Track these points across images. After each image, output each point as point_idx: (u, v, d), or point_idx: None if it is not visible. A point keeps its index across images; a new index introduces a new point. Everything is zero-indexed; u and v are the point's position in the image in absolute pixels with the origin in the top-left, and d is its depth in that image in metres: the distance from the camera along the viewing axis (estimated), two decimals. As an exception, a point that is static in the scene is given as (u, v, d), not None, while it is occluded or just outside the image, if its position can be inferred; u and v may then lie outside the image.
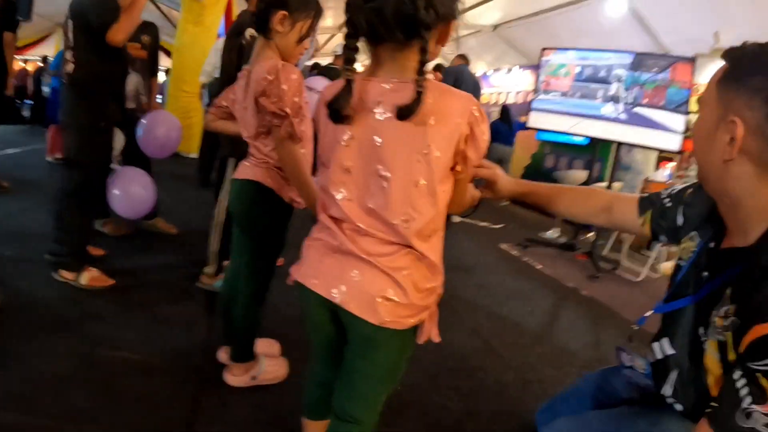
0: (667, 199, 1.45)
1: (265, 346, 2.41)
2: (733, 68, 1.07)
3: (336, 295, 1.17)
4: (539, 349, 3.17)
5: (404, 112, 1.07)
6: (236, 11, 7.83)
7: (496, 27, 10.10)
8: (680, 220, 1.40)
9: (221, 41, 6.53)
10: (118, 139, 3.56)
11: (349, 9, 1.10)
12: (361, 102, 1.14)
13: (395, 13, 1.05)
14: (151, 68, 4.23)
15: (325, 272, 1.21)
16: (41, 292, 2.81)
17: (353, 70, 1.12)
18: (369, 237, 1.16)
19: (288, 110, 1.73)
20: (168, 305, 2.88)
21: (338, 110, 1.13)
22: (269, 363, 2.25)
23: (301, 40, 1.92)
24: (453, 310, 3.49)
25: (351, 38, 1.12)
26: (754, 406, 0.95)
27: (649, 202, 1.49)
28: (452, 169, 1.16)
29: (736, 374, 1.00)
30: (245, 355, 2.17)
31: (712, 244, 1.21)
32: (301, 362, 2.41)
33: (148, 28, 4.07)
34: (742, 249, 1.10)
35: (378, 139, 1.12)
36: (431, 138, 1.09)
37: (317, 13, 1.94)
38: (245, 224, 2.05)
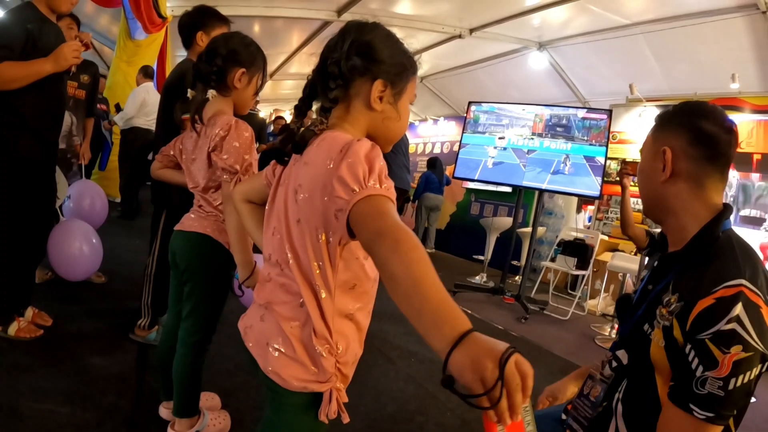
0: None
1: (206, 399, 2.38)
2: (661, 119, 1.40)
3: (248, 335, 1.23)
4: (475, 390, 3.22)
5: (293, 145, 1.16)
6: (170, 54, 7.77)
7: (423, 78, 10.46)
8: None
9: (143, 87, 6.57)
10: (61, 186, 3.44)
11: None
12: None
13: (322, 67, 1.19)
14: (88, 108, 4.12)
15: (248, 314, 1.29)
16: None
17: (300, 122, 1.22)
18: (281, 277, 1.19)
19: (238, 167, 1.79)
20: (99, 357, 2.77)
21: (281, 150, 1.23)
22: (212, 416, 2.22)
23: (256, 92, 2.05)
24: (387, 357, 3.52)
25: (303, 98, 1.24)
26: (707, 373, 1.08)
27: None
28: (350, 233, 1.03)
29: (687, 349, 1.13)
30: (190, 409, 2.12)
31: (656, 263, 1.42)
32: (242, 413, 2.41)
33: (88, 66, 4.00)
34: (679, 251, 1.31)
35: (283, 183, 1.22)
36: (301, 178, 1.12)
37: (265, 63, 2.06)
38: (192, 277, 2.04)
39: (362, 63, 1.16)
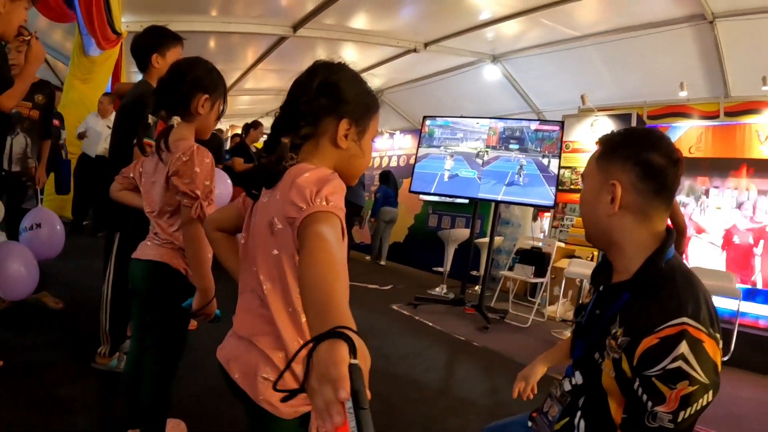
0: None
1: (172, 426, 2.35)
2: (606, 146, 1.38)
3: (232, 367, 1.25)
4: (440, 402, 3.29)
5: (265, 180, 1.23)
6: (125, 71, 7.63)
7: (379, 92, 10.50)
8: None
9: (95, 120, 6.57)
10: None
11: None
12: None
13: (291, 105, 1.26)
14: (43, 130, 4.00)
15: (227, 345, 1.31)
16: None
17: (270, 158, 1.26)
18: (262, 309, 1.22)
19: (199, 192, 1.79)
20: (62, 387, 2.71)
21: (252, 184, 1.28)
22: (178, 444, 2.21)
23: (218, 117, 2.05)
24: None
25: (272, 135, 1.28)
26: (656, 408, 1.13)
27: None
28: None
29: (636, 385, 1.17)
30: (155, 437, 2.10)
31: (601, 288, 1.44)
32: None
33: (42, 86, 3.90)
34: (624, 282, 1.33)
35: (256, 216, 1.26)
36: (274, 211, 1.16)
37: (225, 88, 2.08)
38: (152, 305, 2.02)
39: (329, 103, 1.23)
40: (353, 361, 0.67)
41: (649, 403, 1.14)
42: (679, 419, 1.12)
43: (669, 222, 3.74)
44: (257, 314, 1.23)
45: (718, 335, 1.16)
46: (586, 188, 1.43)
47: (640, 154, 1.29)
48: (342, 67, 1.29)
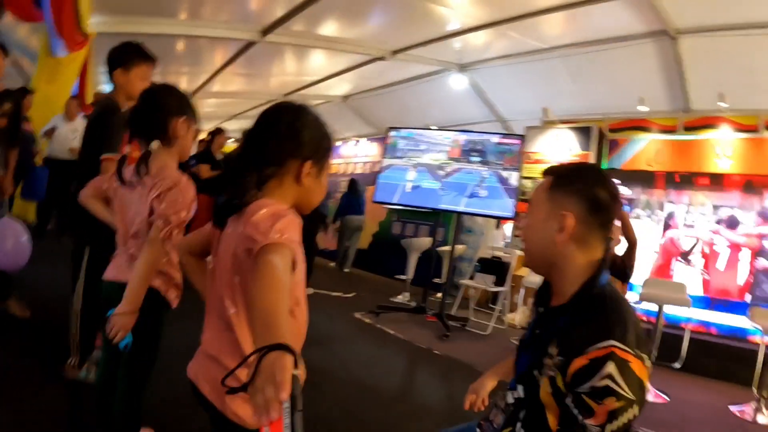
0: None
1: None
2: (558, 178, 1.47)
3: (201, 383, 1.36)
4: (399, 408, 3.39)
5: (231, 210, 1.33)
6: (91, 73, 7.52)
7: (346, 98, 10.60)
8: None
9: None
10: None
11: None
12: None
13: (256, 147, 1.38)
14: (10, 138, 3.91)
15: (197, 361, 1.43)
16: None
17: (236, 193, 1.36)
18: (227, 332, 1.33)
19: (173, 219, 1.87)
20: (30, 398, 2.70)
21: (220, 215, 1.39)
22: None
23: (194, 138, 2.12)
24: (313, 383, 3.51)
25: (237, 171, 1.38)
26: (586, 421, 1.23)
27: None
28: None
29: (568, 400, 1.27)
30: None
31: (541, 309, 1.56)
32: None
33: (10, 94, 3.85)
34: (561, 306, 1.43)
35: (222, 244, 1.38)
36: (236, 242, 1.28)
37: (196, 115, 2.13)
38: None
39: (294, 147, 1.36)
40: (295, 372, 0.85)
41: (579, 417, 1.24)
42: (607, 431, 1.22)
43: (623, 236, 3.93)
44: (223, 336, 1.34)
45: (644, 355, 1.27)
46: (533, 216, 1.52)
47: (591, 189, 1.40)
48: (305, 111, 1.42)
